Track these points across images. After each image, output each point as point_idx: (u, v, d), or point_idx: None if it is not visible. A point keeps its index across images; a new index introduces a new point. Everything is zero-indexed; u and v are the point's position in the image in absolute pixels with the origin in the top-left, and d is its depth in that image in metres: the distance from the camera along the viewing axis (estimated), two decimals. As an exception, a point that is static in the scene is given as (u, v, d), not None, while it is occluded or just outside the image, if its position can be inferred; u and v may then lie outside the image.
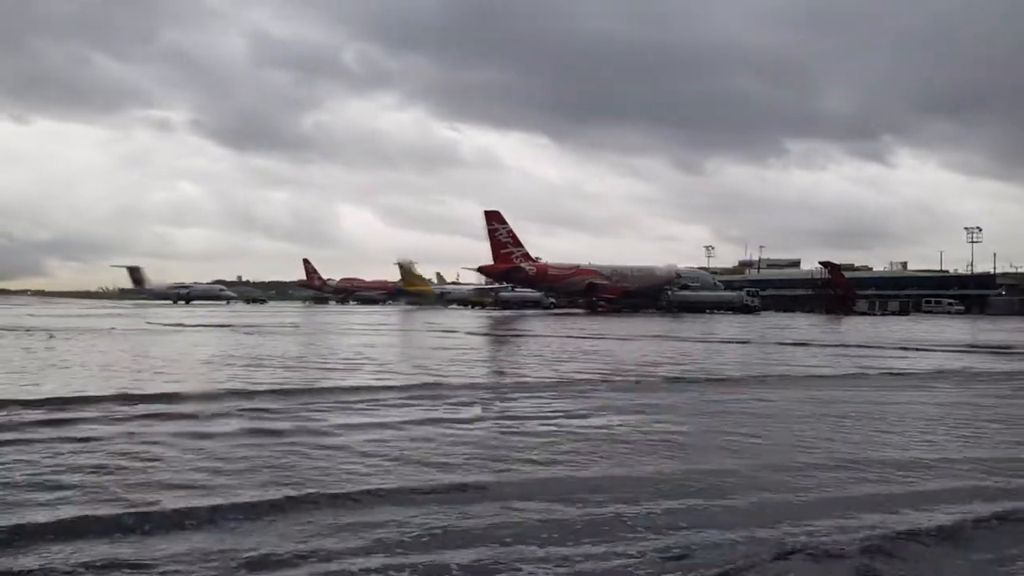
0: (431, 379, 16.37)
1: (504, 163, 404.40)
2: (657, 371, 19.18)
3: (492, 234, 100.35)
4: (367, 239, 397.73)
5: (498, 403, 13.13)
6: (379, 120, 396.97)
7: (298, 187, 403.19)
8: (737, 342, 33.91)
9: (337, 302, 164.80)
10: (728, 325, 56.79)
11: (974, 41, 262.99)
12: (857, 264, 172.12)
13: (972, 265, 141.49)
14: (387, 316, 72.93)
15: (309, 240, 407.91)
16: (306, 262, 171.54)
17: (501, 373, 19.52)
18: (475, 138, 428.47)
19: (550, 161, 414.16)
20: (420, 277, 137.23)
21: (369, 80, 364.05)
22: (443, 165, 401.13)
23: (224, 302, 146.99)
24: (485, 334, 40.29)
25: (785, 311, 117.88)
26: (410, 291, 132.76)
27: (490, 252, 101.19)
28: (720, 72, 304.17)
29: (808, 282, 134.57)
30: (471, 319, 66.36)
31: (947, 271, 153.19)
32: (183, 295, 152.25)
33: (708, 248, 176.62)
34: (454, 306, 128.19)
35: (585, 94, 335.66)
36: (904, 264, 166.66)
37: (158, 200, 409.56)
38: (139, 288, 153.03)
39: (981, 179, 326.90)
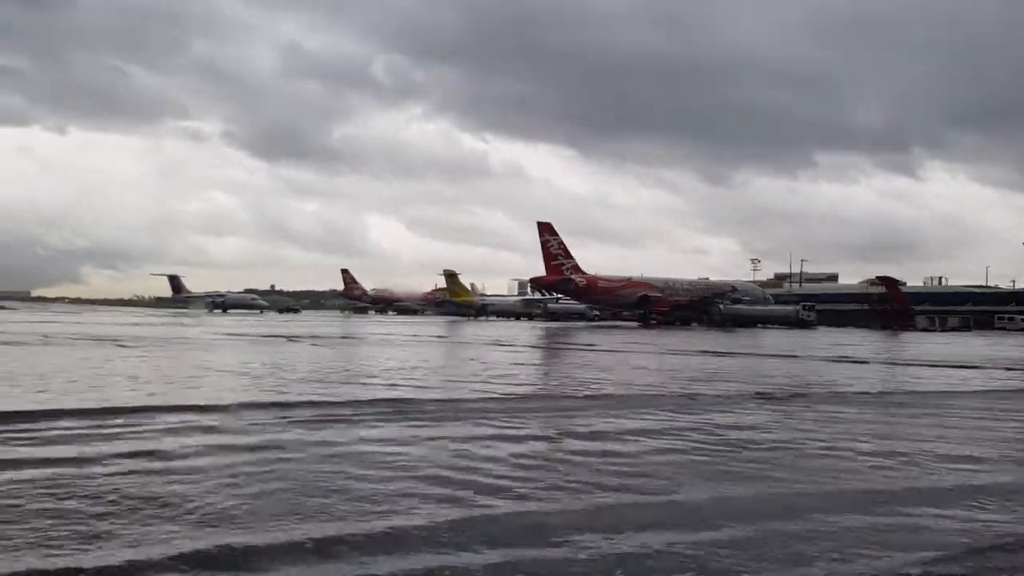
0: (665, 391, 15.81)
1: (531, 174, 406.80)
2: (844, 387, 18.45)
3: (544, 245, 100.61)
4: (395, 249, 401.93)
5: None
6: (407, 131, 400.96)
7: (328, 198, 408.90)
8: (857, 361, 33.07)
9: (376, 312, 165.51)
10: (811, 341, 55.79)
11: (1005, 52, 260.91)
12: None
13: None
14: (446, 328, 72.46)
15: (339, 250, 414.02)
16: (345, 272, 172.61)
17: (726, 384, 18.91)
18: (502, 149, 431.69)
19: (577, 172, 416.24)
20: (465, 288, 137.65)
21: (398, 91, 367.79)
22: (470, 176, 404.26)
23: (258, 311, 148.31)
24: (589, 349, 39.51)
25: (835, 326, 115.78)
26: (456, 302, 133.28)
27: (542, 263, 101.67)
28: (748, 84, 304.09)
29: (860, 296, 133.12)
30: (535, 332, 65.71)
31: (991, 286, 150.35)
32: (218, 303, 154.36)
33: (754, 261, 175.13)
34: (493, 318, 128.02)
35: (612, 105, 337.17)
36: (940, 279, 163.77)
37: (192, 210, 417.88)
38: (178, 296, 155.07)
39: (1014, 193, 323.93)
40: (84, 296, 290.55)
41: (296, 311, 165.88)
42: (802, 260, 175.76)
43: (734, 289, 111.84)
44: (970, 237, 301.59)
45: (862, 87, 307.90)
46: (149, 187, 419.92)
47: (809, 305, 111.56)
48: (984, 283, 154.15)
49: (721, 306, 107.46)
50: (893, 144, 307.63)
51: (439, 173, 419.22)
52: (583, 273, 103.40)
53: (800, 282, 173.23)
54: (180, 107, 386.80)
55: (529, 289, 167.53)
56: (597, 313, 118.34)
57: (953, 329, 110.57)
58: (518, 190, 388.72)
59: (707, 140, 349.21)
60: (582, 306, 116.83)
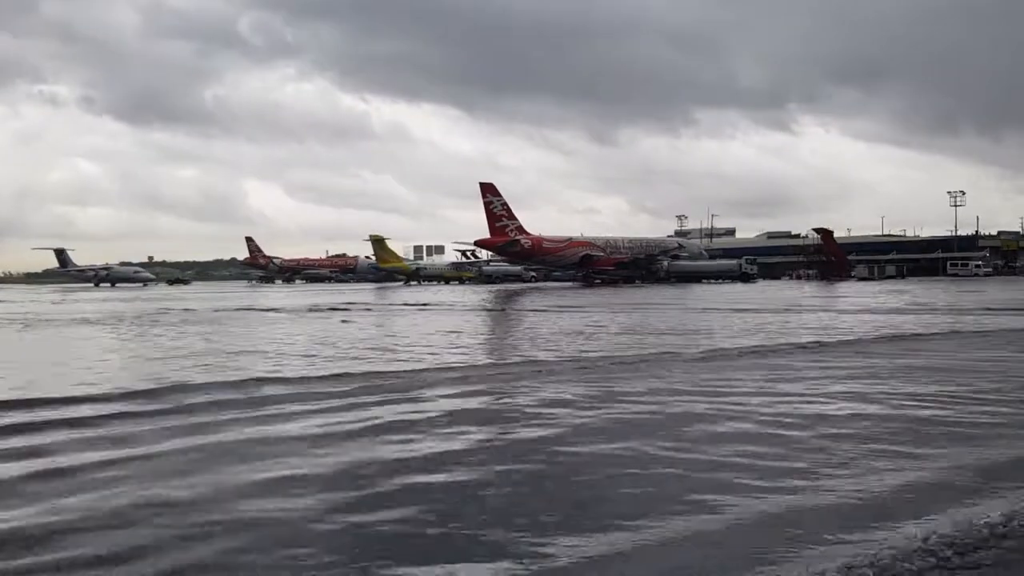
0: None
1: (416, 135, 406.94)
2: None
3: (487, 207, 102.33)
4: (276, 216, 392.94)
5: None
6: (282, 92, 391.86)
7: (202, 163, 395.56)
8: (885, 311, 36.64)
9: (283, 281, 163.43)
10: (791, 294, 59.93)
11: (875, 10, 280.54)
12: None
13: (955, 229, 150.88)
14: (400, 294, 73.03)
15: (218, 218, 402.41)
16: (249, 240, 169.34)
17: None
18: (385, 110, 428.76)
19: (463, 133, 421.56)
20: (394, 253, 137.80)
21: (269, 50, 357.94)
22: (352, 138, 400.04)
23: (143, 284, 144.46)
24: (612, 311, 41.39)
25: (765, 279, 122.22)
26: (387, 268, 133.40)
27: (486, 225, 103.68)
28: (632, 43, 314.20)
29: (788, 249, 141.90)
30: (507, 296, 67.33)
31: (894, 234, 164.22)
32: (103, 277, 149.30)
33: (680, 218, 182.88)
34: (426, 283, 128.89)
35: (498, 65, 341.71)
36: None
37: (56, 180, 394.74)
38: (59, 270, 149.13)
39: (883, 146, 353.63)
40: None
41: (186, 283, 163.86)
42: (712, 215, 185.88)
43: (681, 246, 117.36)
44: (845, 189, 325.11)
45: (741, 45, 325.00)
46: (6, 156, 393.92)
47: (751, 259, 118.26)
48: (881, 232, 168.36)
49: (665, 263, 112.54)
50: (770, 100, 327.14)
51: (318, 135, 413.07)
52: (527, 234, 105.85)
53: (711, 236, 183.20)
54: (35, 70, 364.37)
55: (425, 254, 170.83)
56: (533, 274, 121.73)
57: (890, 277, 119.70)
58: (403, 151, 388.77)
59: (594, 99, 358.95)
60: (518, 268, 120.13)
